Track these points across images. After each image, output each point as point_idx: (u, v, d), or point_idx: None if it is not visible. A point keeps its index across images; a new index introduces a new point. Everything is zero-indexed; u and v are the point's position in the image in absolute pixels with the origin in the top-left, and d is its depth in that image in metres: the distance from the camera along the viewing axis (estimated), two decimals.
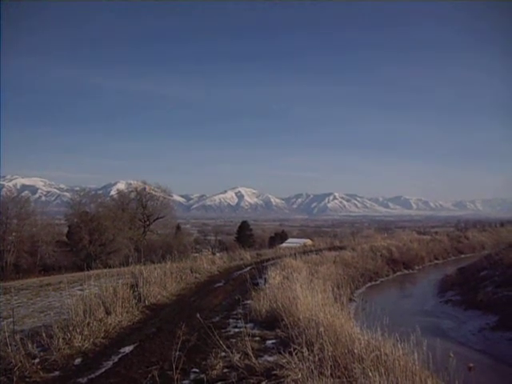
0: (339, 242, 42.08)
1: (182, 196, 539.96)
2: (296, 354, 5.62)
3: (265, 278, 13.50)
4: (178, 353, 5.68)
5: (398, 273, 30.92)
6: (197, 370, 5.86)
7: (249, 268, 17.38)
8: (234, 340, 7.10)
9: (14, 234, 32.49)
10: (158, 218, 43.41)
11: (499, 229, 54.26)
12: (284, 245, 44.19)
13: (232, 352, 6.18)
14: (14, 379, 5.55)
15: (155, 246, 38.01)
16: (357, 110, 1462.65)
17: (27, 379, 5.65)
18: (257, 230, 79.54)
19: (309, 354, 5.49)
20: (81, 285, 13.58)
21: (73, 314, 7.79)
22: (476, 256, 32.27)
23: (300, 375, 5.06)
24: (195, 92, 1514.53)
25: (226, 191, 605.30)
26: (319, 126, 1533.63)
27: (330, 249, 31.91)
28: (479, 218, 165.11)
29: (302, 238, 67.95)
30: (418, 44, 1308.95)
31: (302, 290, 9.06)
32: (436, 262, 37.55)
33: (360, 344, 5.86)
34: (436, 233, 59.72)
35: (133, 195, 43.88)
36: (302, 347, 5.73)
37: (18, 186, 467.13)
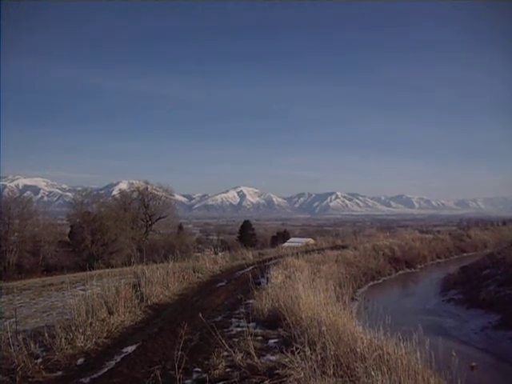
0: (341, 241, 42.00)
1: (184, 196, 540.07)
2: (298, 353, 5.62)
3: (267, 278, 13.49)
4: (180, 352, 5.69)
5: (401, 272, 30.85)
6: (199, 370, 5.87)
7: (251, 267, 17.36)
8: (236, 339, 7.10)
9: (16, 234, 32.58)
10: (160, 218, 43.42)
11: (501, 227, 53.98)
12: (286, 244, 44.10)
13: (234, 351, 6.18)
14: (17, 379, 5.57)
15: (157, 246, 38.00)
16: (357, 110, 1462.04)
17: (30, 379, 5.67)
18: (259, 230, 79.51)
19: (311, 353, 5.49)
20: (83, 285, 13.62)
21: (75, 314, 7.81)
22: (478, 255, 32.16)
23: (302, 374, 5.07)
24: (195, 92, 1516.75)
25: (227, 191, 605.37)
26: (319, 125, 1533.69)
27: (332, 248, 31.87)
28: (481, 216, 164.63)
29: (304, 237, 67.77)
30: (418, 44, 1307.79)
31: (304, 290, 9.07)
32: (438, 260, 37.45)
33: (362, 343, 5.86)
34: (438, 231, 59.50)
35: (135, 195, 43.92)
36: (304, 346, 5.74)
37: (21, 187, 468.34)
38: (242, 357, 6.01)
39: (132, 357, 6.54)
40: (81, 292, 11.21)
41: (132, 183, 48.54)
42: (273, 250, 31.90)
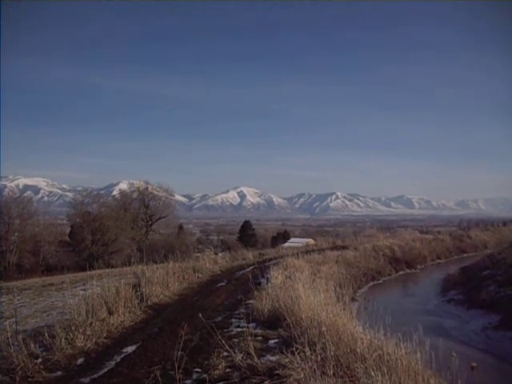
0: (341, 241, 42.02)
1: (184, 196, 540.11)
2: (298, 353, 5.61)
3: (267, 278, 13.48)
4: (180, 353, 5.69)
5: (401, 272, 30.85)
6: (199, 370, 5.86)
7: (251, 268, 17.36)
8: (236, 340, 7.09)
9: (16, 234, 32.61)
10: (160, 218, 43.44)
11: (501, 228, 53.94)
12: (286, 244, 44.09)
13: (234, 352, 6.17)
14: (17, 379, 5.57)
15: (157, 246, 38.02)
16: (357, 110, 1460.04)
17: (30, 379, 5.66)
18: (259, 230, 79.43)
19: (311, 354, 5.49)
20: (83, 285, 13.63)
21: (75, 313, 7.80)
22: (478, 255, 32.11)
23: (302, 375, 5.06)
24: (195, 92, 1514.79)
25: (228, 191, 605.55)
26: (319, 125, 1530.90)
27: (332, 248, 31.88)
28: (482, 217, 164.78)
29: (304, 237, 67.76)
30: (418, 44, 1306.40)
31: (305, 290, 9.06)
32: (438, 261, 37.45)
33: (362, 343, 5.86)
34: (438, 232, 59.57)
35: (135, 195, 43.94)
36: (304, 347, 5.73)
37: (21, 186, 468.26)
38: (242, 357, 6.00)
39: (132, 357, 6.53)
40: (81, 292, 11.21)
41: (132, 183, 48.59)
42: (273, 251, 31.91)
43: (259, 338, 7.21)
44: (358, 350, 5.66)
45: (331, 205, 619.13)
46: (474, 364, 4.46)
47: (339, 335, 6.29)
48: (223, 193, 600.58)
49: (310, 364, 5.22)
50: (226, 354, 6.26)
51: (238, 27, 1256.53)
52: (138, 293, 10.54)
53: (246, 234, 59.94)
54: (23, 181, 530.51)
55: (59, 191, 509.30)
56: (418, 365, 5.44)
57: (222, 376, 5.57)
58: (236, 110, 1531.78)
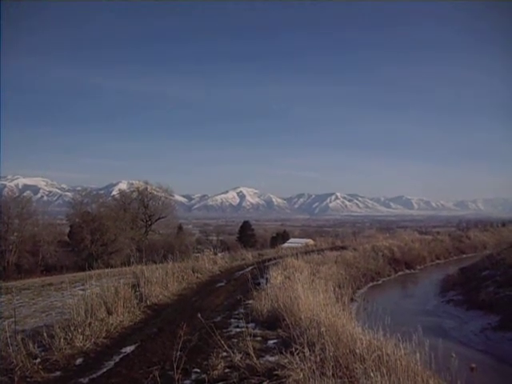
0: (341, 241, 42.02)
1: (184, 196, 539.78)
2: (297, 354, 5.61)
3: (266, 278, 13.49)
4: (179, 353, 5.67)
5: (400, 273, 30.89)
6: (198, 370, 5.85)
7: (250, 268, 17.36)
8: (235, 340, 7.09)
9: (15, 233, 32.62)
10: (159, 218, 43.45)
11: (501, 228, 53.99)
12: (286, 245, 44.05)
13: (233, 352, 6.17)
14: (16, 379, 5.55)
15: (157, 246, 37.95)
16: (357, 110, 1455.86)
17: (28, 379, 5.65)
18: (258, 230, 79.45)
19: (310, 354, 5.48)
20: (82, 285, 13.59)
21: (74, 313, 7.79)
22: (478, 256, 32.12)
23: (302, 375, 5.06)
24: (195, 92, 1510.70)
25: (227, 191, 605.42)
26: (319, 125, 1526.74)
27: (331, 249, 31.88)
28: (481, 217, 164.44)
29: (303, 237, 67.72)
30: (418, 44, 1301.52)
31: (304, 290, 9.06)
32: (438, 261, 37.49)
33: (362, 344, 5.85)
34: (438, 233, 59.56)
35: (134, 195, 43.92)
36: (303, 347, 5.72)
37: (20, 186, 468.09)
38: (241, 357, 6.00)
39: (131, 357, 6.53)
40: (80, 292, 11.19)
41: (132, 183, 48.59)
42: (272, 251, 31.91)
43: (258, 338, 7.21)
44: (357, 350, 5.65)
45: (330, 205, 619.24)
46: (473, 365, 4.45)
47: (338, 336, 6.28)
48: (223, 193, 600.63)
49: (309, 364, 5.21)
50: (225, 354, 6.25)
51: (237, 27, 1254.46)
52: (137, 293, 10.53)
53: (246, 234, 59.98)
54: (22, 180, 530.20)
55: (58, 191, 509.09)
56: (417, 365, 5.44)
57: (220, 376, 5.57)
58: (236, 110, 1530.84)
